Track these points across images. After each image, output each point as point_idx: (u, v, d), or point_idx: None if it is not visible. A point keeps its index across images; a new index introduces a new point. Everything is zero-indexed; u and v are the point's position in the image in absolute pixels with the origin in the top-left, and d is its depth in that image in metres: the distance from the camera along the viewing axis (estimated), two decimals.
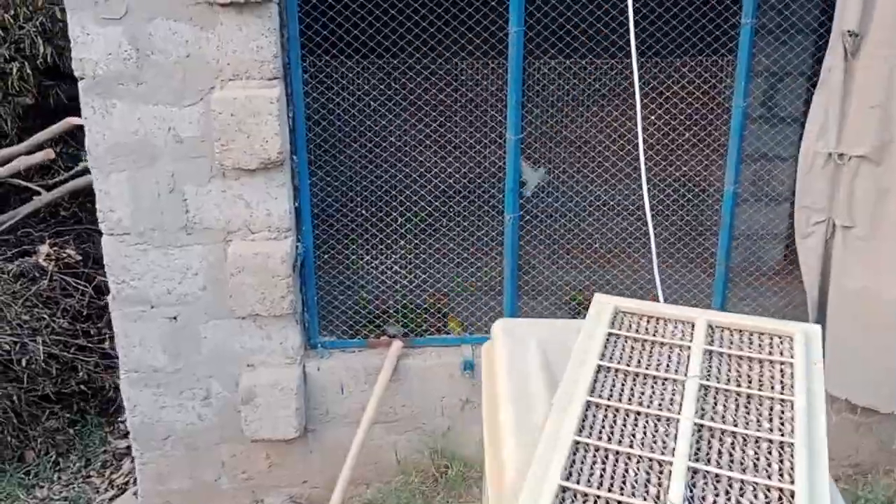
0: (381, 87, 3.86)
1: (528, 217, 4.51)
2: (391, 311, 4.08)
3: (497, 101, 4.06)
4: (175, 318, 3.48)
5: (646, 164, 3.30)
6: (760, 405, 1.70)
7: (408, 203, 4.33)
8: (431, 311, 4.16)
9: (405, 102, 3.95)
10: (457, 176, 4.56)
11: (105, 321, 4.25)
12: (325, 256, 3.92)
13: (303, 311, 3.63)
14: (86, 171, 4.93)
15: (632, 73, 3.22)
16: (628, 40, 3.23)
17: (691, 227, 4.80)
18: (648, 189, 3.31)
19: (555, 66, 4.04)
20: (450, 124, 4.50)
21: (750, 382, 1.78)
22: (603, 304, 2.18)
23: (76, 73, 3.16)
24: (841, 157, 3.39)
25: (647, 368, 1.84)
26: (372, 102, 3.97)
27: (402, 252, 4.11)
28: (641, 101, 3.29)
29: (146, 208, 3.34)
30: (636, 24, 3.22)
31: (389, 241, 4.10)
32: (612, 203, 4.96)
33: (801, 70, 4.67)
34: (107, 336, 4.27)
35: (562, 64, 4.05)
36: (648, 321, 2.12)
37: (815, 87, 3.41)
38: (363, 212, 4.13)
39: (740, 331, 2.05)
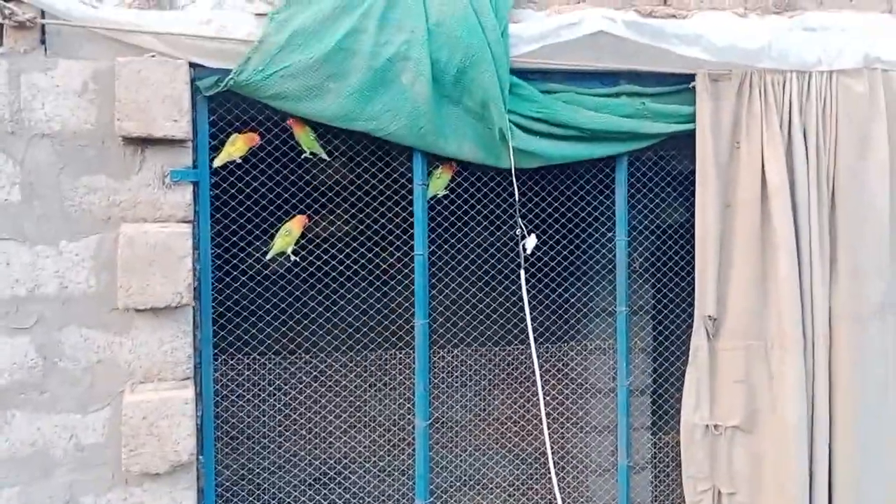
0: (292, 381, 3.96)
1: (436, 493, 4.50)
2: None
3: (405, 389, 4.22)
4: None
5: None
6: None
7: (311, 492, 4.23)
8: None
9: (316, 395, 4.03)
10: (367, 465, 4.55)
11: None
12: None
13: None
14: None
15: (528, 356, 3.51)
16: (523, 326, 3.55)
17: (564, 500, 4.90)
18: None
19: (457, 354, 4.31)
20: (359, 414, 4.58)
21: None
22: None
23: None
24: (717, 427, 3.73)
25: None
26: (283, 397, 4.02)
27: None
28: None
29: None
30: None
31: None
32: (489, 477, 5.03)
33: (642, 347, 5.15)
34: None
35: (464, 352, 4.32)
36: None
37: (654, 361, 3.80)
38: (269, 500, 3.99)
39: None
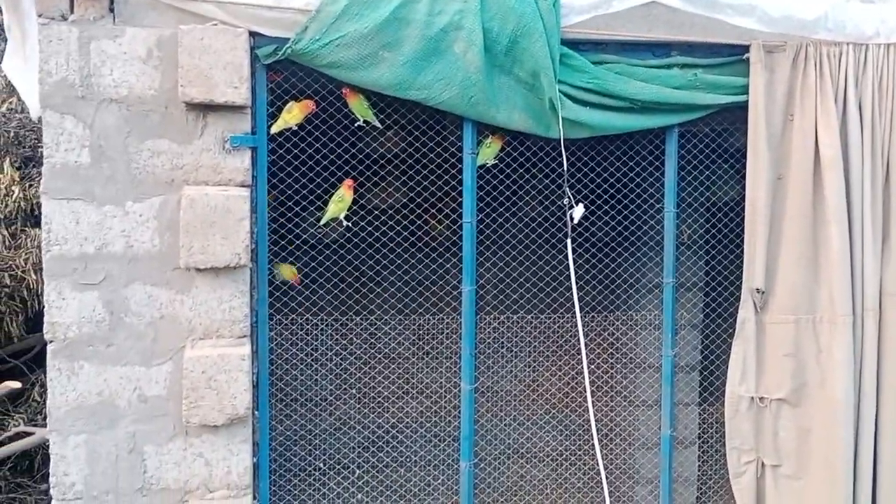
0: (344, 342, 4.09)
1: (481, 465, 4.61)
2: None
3: (452, 353, 4.31)
4: None
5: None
6: None
7: (366, 455, 4.38)
8: None
9: (366, 356, 4.16)
10: (414, 426, 4.68)
11: None
12: None
13: None
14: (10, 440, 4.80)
15: (574, 327, 3.57)
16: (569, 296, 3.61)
17: (609, 473, 4.95)
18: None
19: (503, 320, 4.38)
20: (407, 376, 4.70)
21: None
22: None
23: (46, 337, 3.23)
24: (762, 400, 3.74)
25: None
26: (334, 357, 4.15)
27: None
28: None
29: (102, 472, 3.28)
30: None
31: (347, 496, 4.10)
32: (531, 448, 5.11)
33: (692, 322, 5.14)
34: None
35: (509, 319, 4.39)
36: None
37: (706, 337, 3.81)
38: (321, 465, 4.14)
39: None
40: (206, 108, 3.27)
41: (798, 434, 3.71)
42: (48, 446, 3.31)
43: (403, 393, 4.67)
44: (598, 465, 3.76)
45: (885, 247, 3.65)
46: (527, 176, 3.92)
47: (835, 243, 3.56)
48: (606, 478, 3.79)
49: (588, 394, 3.73)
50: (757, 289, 3.65)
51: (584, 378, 3.74)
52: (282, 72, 3.43)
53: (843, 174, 3.57)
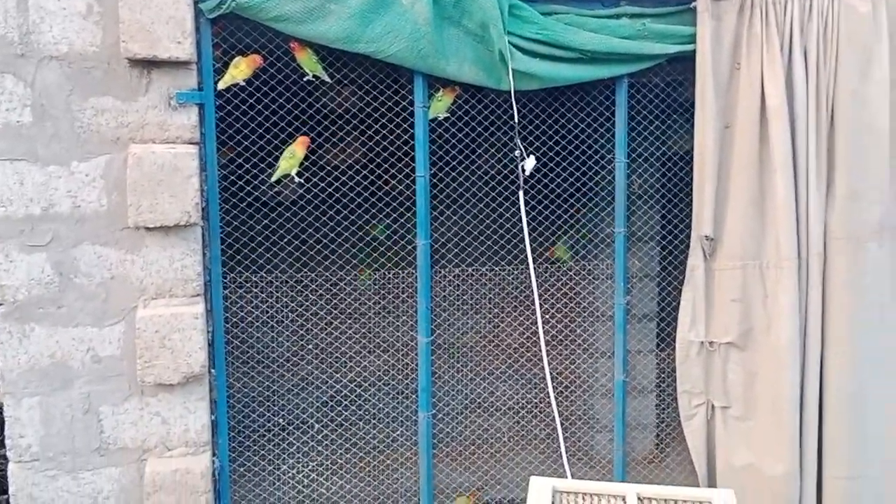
0: (299, 298, 4.10)
1: (440, 415, 4.67)
2: None
3: (408, 307, 4.34)
4: None
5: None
6: None
7: (324, 409, 4.42)
8: None
9: (322, 312, 4.17)
10: (372, 379, 4.73)
11: None
12: (241, 469, 3.90)
13: None
14: None
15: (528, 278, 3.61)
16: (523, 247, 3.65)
17: (570, 422, 5.06)
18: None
19: (458, 273, 4.42)
20: (364, 330, 4.73)
21: None
22: (540, 486, 2.36)
23: None
24: (711, 344, 3.83)
25: None
26: (290, 314, 4.17)
27: (320, 460, 4.14)
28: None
29: (57, 432, 3.28)
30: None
31: (307, 449, 4.14)
32: (491, 401, 5.20)
33: (647, 273, 5.23)
34: None
35: (464, 272, 4.43)
36: (584, 498, 2.31)
37: (662, 288, 3.89)
38: (280, 420, 4.18)
39: (666, 499, 2.27)
40: (149, 65, 3.21)
41: (746, 377, 3.82)
42: (4, 411, 3.29)
43: (362, 349, 4.71)
44: (554, 414, 3.84)
45: (829, 192, 3.72)
46: (479, 129, 3.92)
47: (780, 190, 3.62)
48: (567, 427, 3.87)
49: (542, 344, 3.79)
50: (706, 236, 3.71)
51: (539, 329, 3.79)
52: (227, 26, 3.37)
53: (789, 122, 3.62)
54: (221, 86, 3.41)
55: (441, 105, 3.65)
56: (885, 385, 3.81)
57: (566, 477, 3.78)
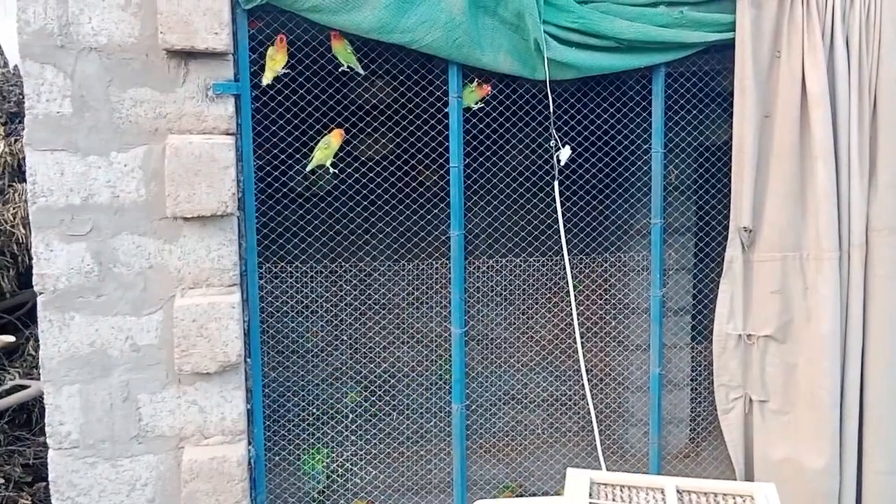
0: (333, 289, 4.12)
1: (473, 407, 4.67)
2: None
3: (441, 297, 4.34)
4: None
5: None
6: None
7: (359, 399, 4.44)
8: None
9: (356, 302, 4.19)
10: (405, 370, 4.74)
11: None
12: (276, 458, 3.93)
13: None
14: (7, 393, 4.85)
15: (563, 269, 3.59)
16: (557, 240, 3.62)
17: (604, 416, 5.03)
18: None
19: (492, 264, 4.41)
20: (398, 321, 4.74)
21: None
22: (578, 478, 2.34)
23: (36, 289, 3.24)
24: (749, 337, 3.78)
25: None
26: (324, 304, 4.19)
27: (354, 449, 4.16)
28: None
29: (97, 420, 3.32)
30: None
31: (340, 439, 4.16)
32: (525, 393, 5.18)
33: (684, 266, 5.17)
34: None
35: (498, 262, 4.42)
36: (622, 490, 2.29)
37: (698, 281, 3.84)
38: (314, 410, 4.21)
39: (706, 493, 2.24)
40: (187, 56, 3.23)
41: (785, 370, 3.76)
42: (44, 399, 3.34)
43: (395, 339, 4.72)
44: (589, 407, 3.82)
45: (871, 183, 3.66)
46: (513, 119, 3.90)
47: (821, 180, 3.56)
48: (600, 420, 3.84)
49: (577, 336, 3.76)
50: (744, 227, 3.66)
51: (573, 322, 3.77)
52: (263, 17, 3.38)
53: (830, 110, 3.56)
54: (265, 81, 3.43)
55: (474, 95, 3.64)
56: None
57: (601, 470, 3.75)
